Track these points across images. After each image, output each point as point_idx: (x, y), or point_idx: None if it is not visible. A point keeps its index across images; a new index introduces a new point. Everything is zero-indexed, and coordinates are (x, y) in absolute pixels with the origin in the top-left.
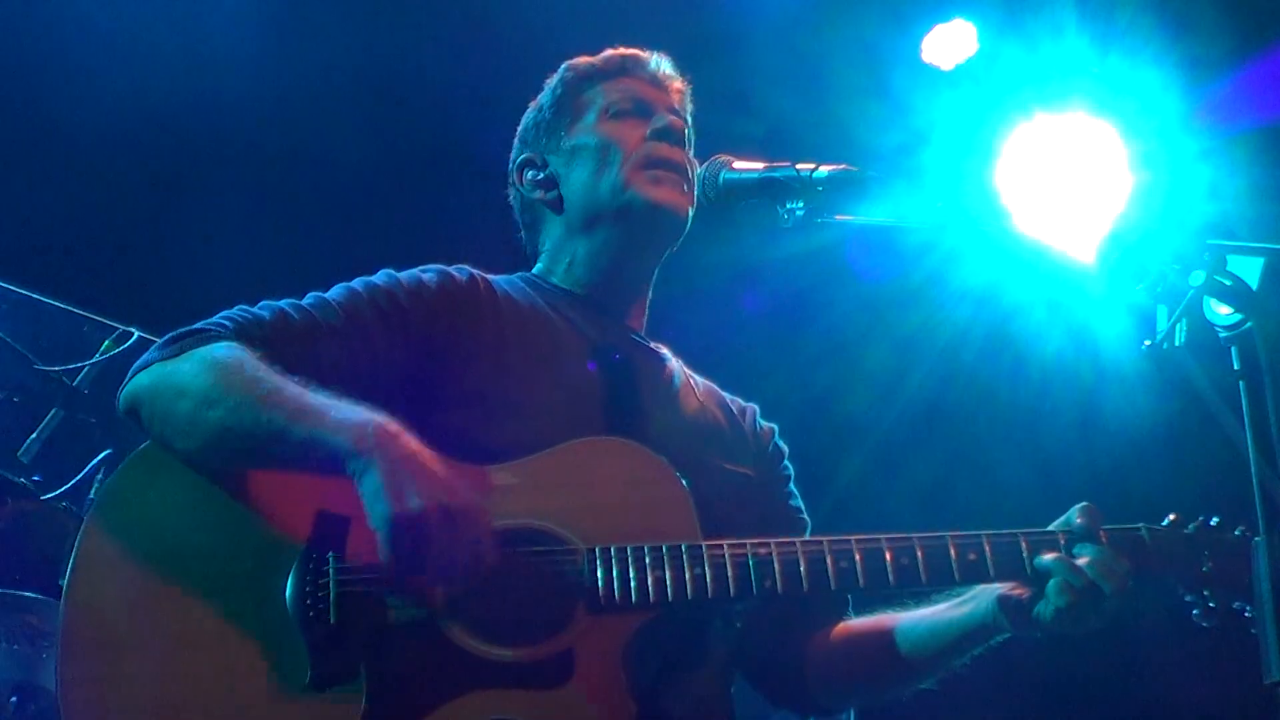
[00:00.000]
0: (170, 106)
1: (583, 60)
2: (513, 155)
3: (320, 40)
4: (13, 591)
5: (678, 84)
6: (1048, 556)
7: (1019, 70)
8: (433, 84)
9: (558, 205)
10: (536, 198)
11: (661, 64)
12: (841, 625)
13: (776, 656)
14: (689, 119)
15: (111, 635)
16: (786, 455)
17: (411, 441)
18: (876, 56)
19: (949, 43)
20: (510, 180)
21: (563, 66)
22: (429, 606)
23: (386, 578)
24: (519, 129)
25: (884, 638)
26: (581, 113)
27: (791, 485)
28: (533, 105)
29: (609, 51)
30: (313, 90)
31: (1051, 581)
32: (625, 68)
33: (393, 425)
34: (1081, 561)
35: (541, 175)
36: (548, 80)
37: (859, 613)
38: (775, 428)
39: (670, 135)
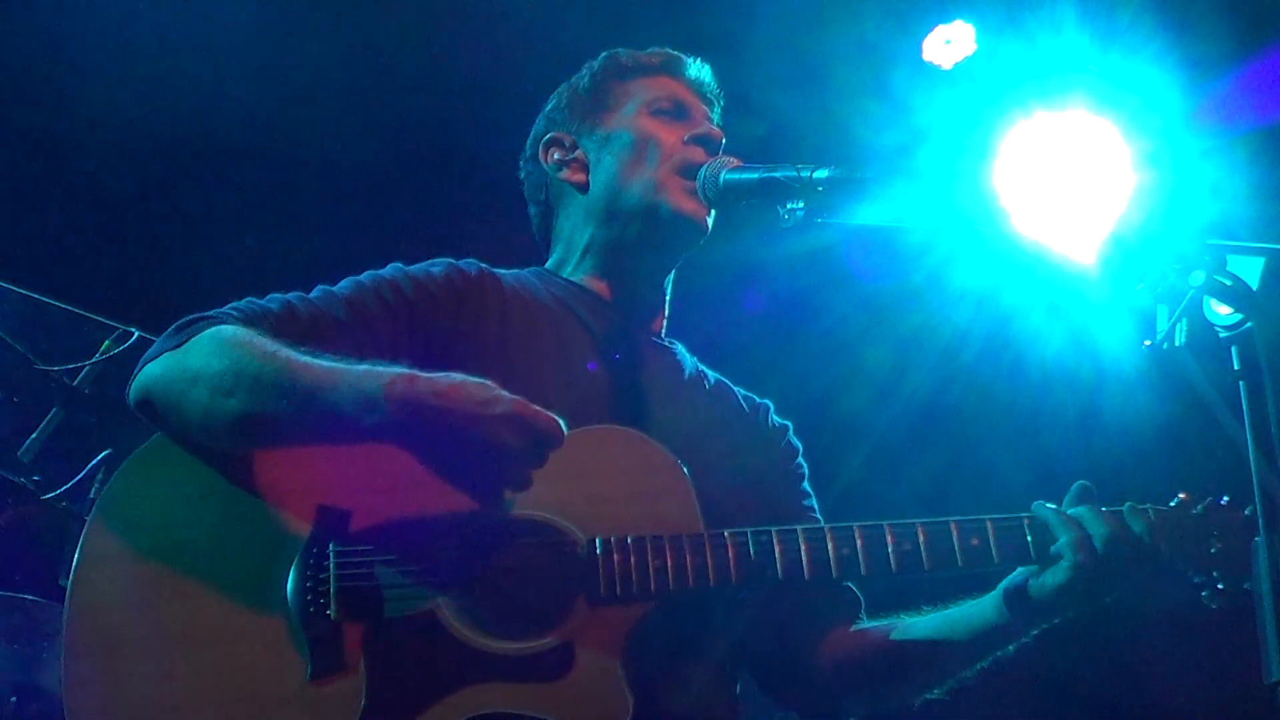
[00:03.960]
0: (171, 106)
1: (625, 51)
2: (536, 132)
3: (321, 39)
4: (14, 594)
5: (715, 93)
6: (1046, 508)
7: (1019, 69)
8: (433, 83)
9: (583, 187)
10: (562, 176)
11: (703, 71)
12: (852, 628)
13: (784, 657)
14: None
15: (115, 634)
16: (800, 453)
17: (434, 385)
18: (876, 56)
19: (949, 43)
20: (529, 157)
21: (604, 54)
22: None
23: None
24: (546, 108)
25: (893, 640)
26: (621, 102)
27: (805, 485)
28: (564, 87)
29: (653, 49)
30: (314, 90)
31: (1053, 548)
32: (667, 68)
33: (412, 384)
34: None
35: (571, 156)
36: (586, 64)
37: (871, 617)
38: (789, 425)
39: (709, 143)
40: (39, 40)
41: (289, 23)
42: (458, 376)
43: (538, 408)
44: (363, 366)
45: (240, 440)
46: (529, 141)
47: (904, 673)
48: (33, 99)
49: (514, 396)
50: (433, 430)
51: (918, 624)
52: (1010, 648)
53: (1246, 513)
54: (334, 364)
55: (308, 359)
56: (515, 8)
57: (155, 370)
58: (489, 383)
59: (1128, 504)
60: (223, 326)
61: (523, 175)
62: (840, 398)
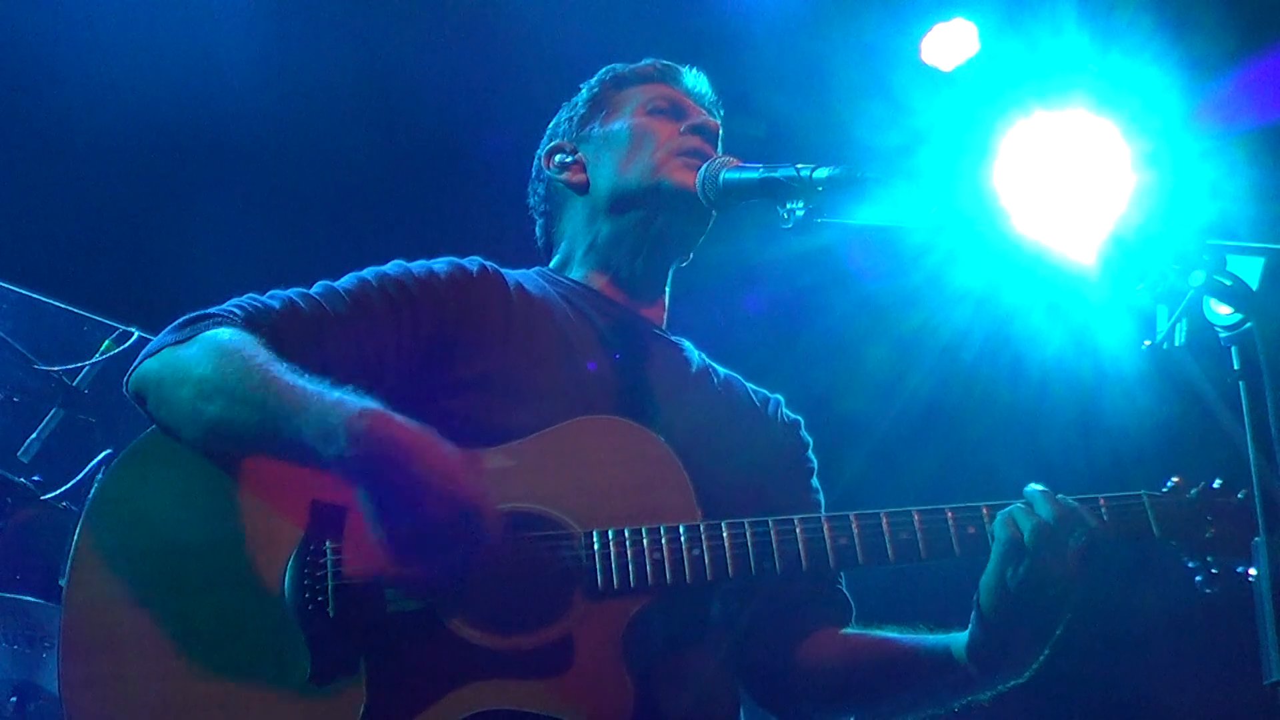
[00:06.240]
0: (171, 106)
1: (622, 65)
2: (540, 148)
3: (321, 39)
4: (13, 595)
5: (713, 100)
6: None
7: (1019, 69)
8: (433, 84)
9: (583, 187)
10: (563, 179)
11: (699, 81)
12: (839, 635)
13: (768, 658)
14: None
15: (112, 634)
16: (810, 448)
17: (399, 433)
18: (876, 56)
19: (949, 42)
20: (535, 170)
21: (602, 69)
22: (434, 599)
23: (387, 573)
24: (550, 126)
25: (879, 648)
26: (618, 108)
27: (814, 480)
28: (564, 106)
29: (648, 60)
30: (314, 89)
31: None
32: (663, 75)
33: (376, 424)
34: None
35: (570, 159)
36: (584, 84)
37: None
38: (800, 420)
39: (705, 132)
40: (39, 39)
41: (290, 22)
42: (434, 435)
43: (495, 510)
44: (337, 395)
45: (214, 445)
46: (534, 163)
47: (887, 682)
48: (32, 98)
49: (482, 489)
50: (377, 500)
51: (905, 635)
52: (985, 694)
53: (1240, 496)
54: (313, 387)
55: (292, 379)
56: (517, 8)
57: (153, 365)
58: (471, 455)
59: (1126, 496)
60: (222, 329)
61: (530, 199)
62: (840, 398)
